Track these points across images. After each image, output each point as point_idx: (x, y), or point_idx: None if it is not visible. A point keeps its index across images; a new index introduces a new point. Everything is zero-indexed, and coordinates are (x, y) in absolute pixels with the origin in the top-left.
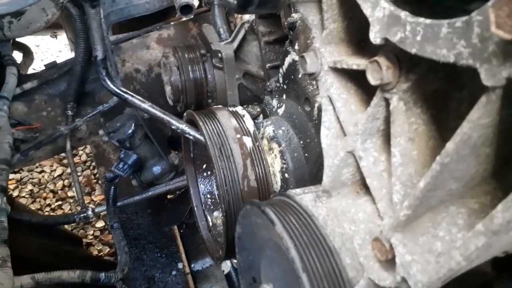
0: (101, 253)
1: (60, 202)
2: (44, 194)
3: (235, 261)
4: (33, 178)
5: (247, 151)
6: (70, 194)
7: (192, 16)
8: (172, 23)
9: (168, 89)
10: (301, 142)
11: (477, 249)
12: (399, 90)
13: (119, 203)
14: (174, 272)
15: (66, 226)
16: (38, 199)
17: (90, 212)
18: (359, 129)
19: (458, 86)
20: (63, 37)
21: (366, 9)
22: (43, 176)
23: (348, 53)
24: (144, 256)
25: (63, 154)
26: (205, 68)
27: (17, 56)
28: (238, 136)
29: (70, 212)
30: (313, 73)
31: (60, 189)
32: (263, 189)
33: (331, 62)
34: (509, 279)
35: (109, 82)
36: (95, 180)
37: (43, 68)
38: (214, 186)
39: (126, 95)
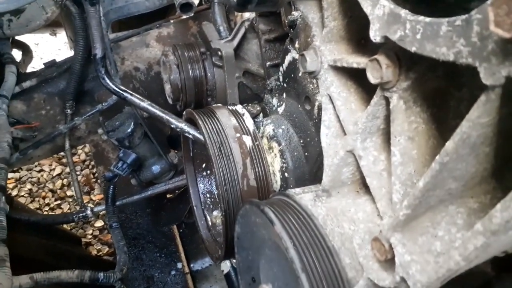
0: (100, 253)
1: (59, 202)
2: (43, 193)
3: (234, 261)
4: (32, 177)
5: (247, 150)
6: (69, 193)
7: (192, 14)
8: (171, 21)
9: (167, 87)
10: (301, 141)
11: (476, 249)
12: (399, 89)
13: (118, 203)
14: (173, 272)
15: (65, 226)
16: (37, 198)
17: (89, 212)
18: (359, 128)
19: (457, 85)
20: (62, 35)
21: (366, 7)
22: (42, 175)
23: (348, 51)
24: (143, 255)
25: (62, 153)
26: (204, 67)
27: (16, 54)
28: (238, 135)
29: (69, 211)
30: (313, 72)
31: (59, 188)
32: (262, 188)
33: (331, 60)
34: (508, 278)
35: (108, 81)
36: (94, 179)
37: (42, 66)
38: (214, 186)
39: (125, 94)
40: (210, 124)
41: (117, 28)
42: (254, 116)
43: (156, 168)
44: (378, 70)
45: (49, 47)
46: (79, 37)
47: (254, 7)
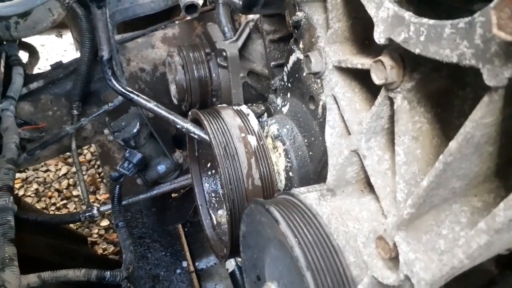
0: (106, 252)
1: (65, 201)
2: (49, 193)
3: (239, 259)
4: (38, 177)
5: (252, 150)
6: (75, 193)
7: (197, 15)
8: (177, 22)
9: (173, 88)
10: (306, 140)
11: (480, 247)
12: (403, 89)
13: (124, 202)
14: (178, 271)
15: (71, 225)
16: (43, 198)
17: (95, 211)
18: (363, 128)
19: (461, 85)
20: (68, 36)
21: (371, 9)
22: (48, 175)
23: (353, 52)
24: (148, 254)
25: (68, 153)
26: (209, 67)
27: (23, 55)
28: (243, 135)
29: (75, 211)
30: (317, 72)
31: (65, 188)
32: (267, 187)
33: (335, 61)
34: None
35: (114, 82)
36: (100, 179)
37: (49, 67)
38: (219, 185)
39: (131, 95)
40: (215, 124)
41: (123, 29)
42: (258, 116)
43: (161, 168)
44: (383, 71)
45: (55, 49)
46: (85, 38)
47: (260, 9)
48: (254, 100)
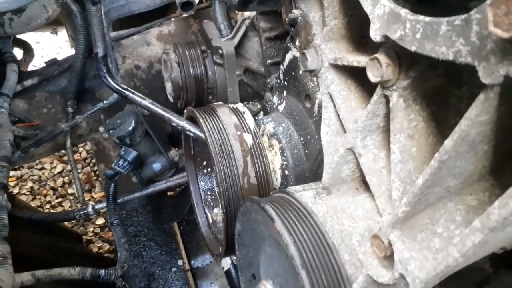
0: (101, 250)
1: (60, 199)
2: (44, 191)
3: (235, 258)
4: (33, 175)
5: (247, 148)
6: (70, 191)
7: (193, 12)
8: (172, 19)
9: (168, 85)
10: (302, 139)
11: (474, 245)
12: (399, 87)
13: (119, 200)
14: (174, 269)
15: (66, 223)
16: (38, 196)
17: (90, 209)
18: (359, 126)
19: (457, 83)
20: (63, 33)
21: (367, 7)
22: (43, 173)
23: (349, 50)
24: (144, 253)
25: (63, 151)
26: (205, 65)
27: (18, 52)
28: (239, 133)
29: (70, 209)
30: (313, 70)
31: (60, 186)
32: (263, 186)
33: (331, 59)
34: (507, 275)
35: (109, 79)
36: (95, 177)
37: (43, 64)
38: (214, 183)
39: (126, 92)
40: (211, 122)
41: (118, 26)
42: (254, 114)
43: (157, 166)
44: (378, 68)
45: (50, 46)
46: (80, 35)
47: (255, 6)
48: (250, 98)
